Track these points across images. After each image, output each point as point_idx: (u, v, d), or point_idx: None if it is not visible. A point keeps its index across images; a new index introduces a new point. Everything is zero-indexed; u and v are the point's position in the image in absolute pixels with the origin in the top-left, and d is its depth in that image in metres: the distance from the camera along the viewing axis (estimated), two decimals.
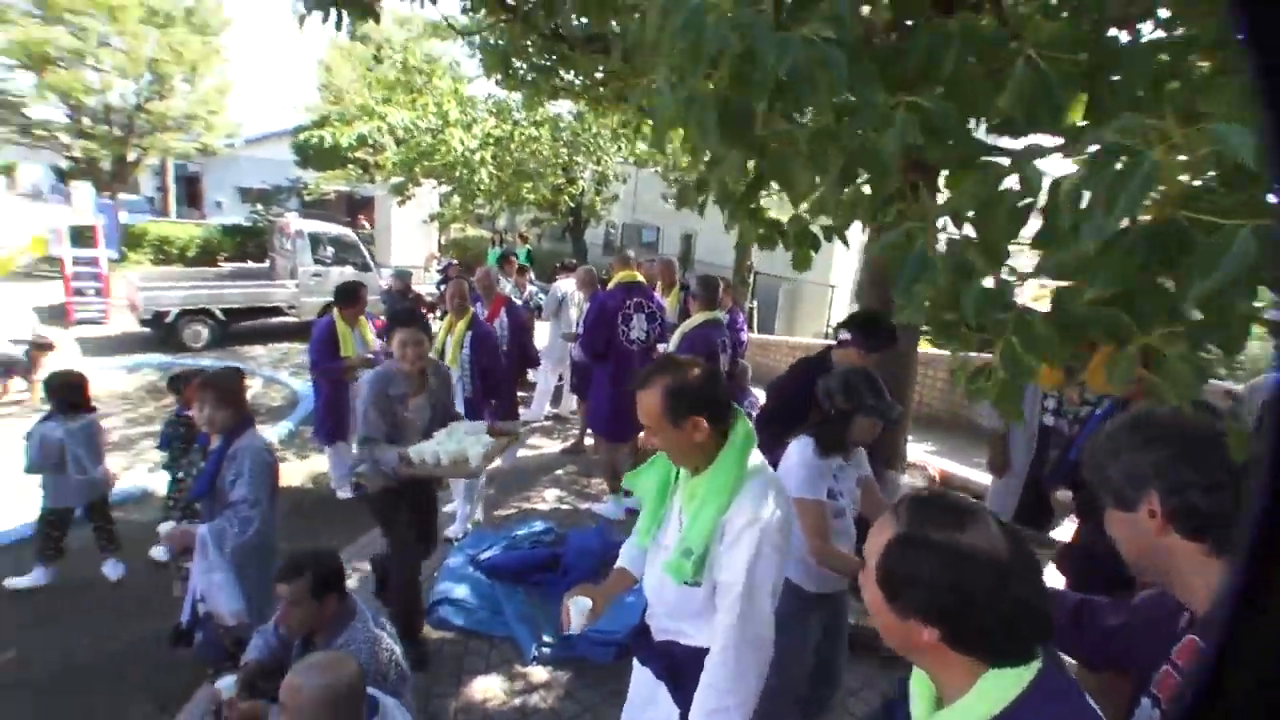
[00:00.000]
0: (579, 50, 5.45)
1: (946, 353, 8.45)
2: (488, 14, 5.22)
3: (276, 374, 9.22)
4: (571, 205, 15.34)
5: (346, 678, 1.81)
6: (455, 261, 12.40)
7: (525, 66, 6.37)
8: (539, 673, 3.47)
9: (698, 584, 1.73)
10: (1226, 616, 0.69)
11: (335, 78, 19.48)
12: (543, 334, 7.52)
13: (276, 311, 11.07)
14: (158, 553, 4.48)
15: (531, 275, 10.76)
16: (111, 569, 4.37)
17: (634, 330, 4.85)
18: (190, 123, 19.94)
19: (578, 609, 1.91)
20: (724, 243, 15.27)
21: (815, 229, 2.29)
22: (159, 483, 5.19)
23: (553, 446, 6.66)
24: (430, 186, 12.05)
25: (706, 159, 2.10)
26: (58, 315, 10.71)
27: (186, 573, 2.88)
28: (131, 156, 19.92)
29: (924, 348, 7.65)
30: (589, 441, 6.46)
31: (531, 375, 7.81)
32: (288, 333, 11.15)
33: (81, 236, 11.31)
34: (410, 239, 15.53)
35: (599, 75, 6.80)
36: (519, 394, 6.28)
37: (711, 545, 1.70)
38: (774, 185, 2.44)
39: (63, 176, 26.32)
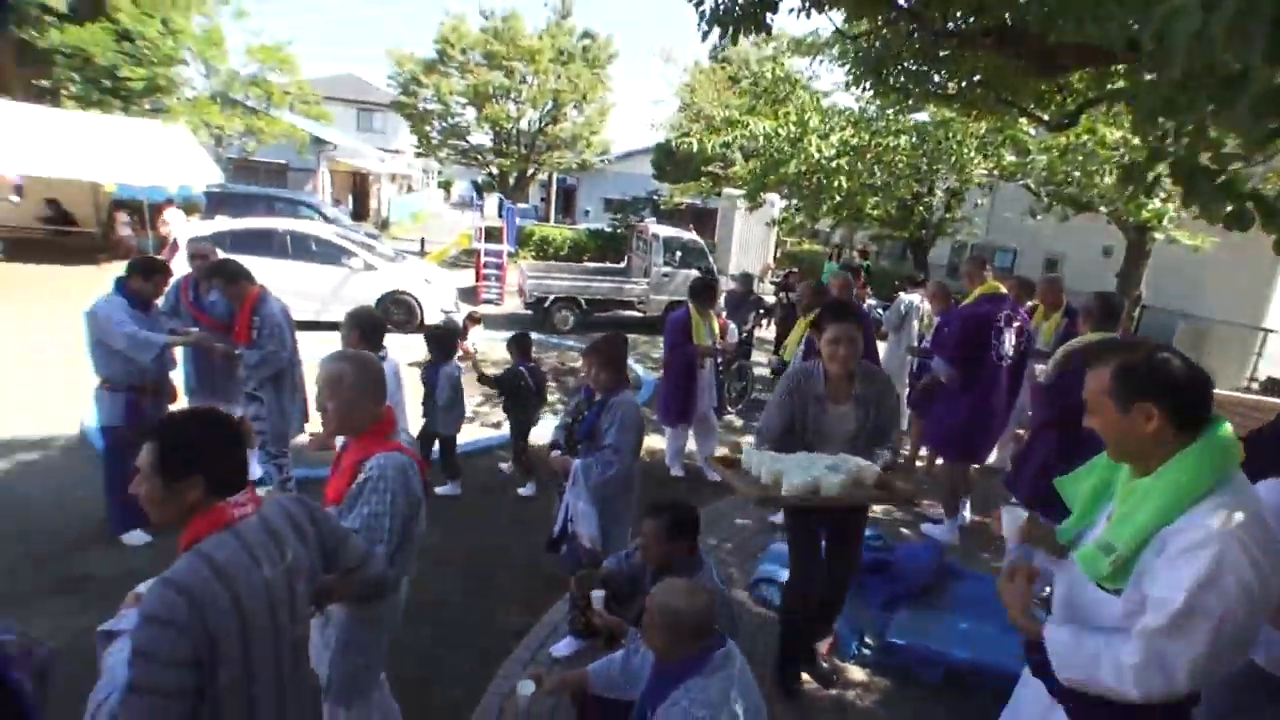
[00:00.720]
0: (965, 48, 5.14)
1: None
2: (869, 19, 5.20)
3: None
4: (924, 218, 14.52)
5: (699, 604, 2.02)
6: (796, 270, 12.60)
7: (897, 71, 6.21)
8: (856, 671, 3.40)
9: (1116, 592, 1.48)
10: None
11: (697, 98, 21.15)
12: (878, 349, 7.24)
13: (627, 305, 12.41)
14: (525, 490, 5.31)
15: (869, 290, 10.47)
16: (452, 487, 5.22)
17: (1005, 345, 4.41)
18: (575, 142, 23.52)
19: (1012, 516, 1.84)
20: (1098, 269, 13.03)
21: None
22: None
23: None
24: (776, 198, 12.42)
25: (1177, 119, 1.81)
26: (468, 296, 13.30)
27: (564, 491, 3.42)
28: (529, 172, 24.18)
29: None
30: (919, 463, 6.10)
31: None
32: (634, 325, 12.39)
33: (490, 235, 13.93)
34: (748, 250, 16.18)
35: (977, 79, 6.35)
36: None
37: (1146, 555, 1.44)
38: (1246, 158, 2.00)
39: (478, 189, 32.91)
